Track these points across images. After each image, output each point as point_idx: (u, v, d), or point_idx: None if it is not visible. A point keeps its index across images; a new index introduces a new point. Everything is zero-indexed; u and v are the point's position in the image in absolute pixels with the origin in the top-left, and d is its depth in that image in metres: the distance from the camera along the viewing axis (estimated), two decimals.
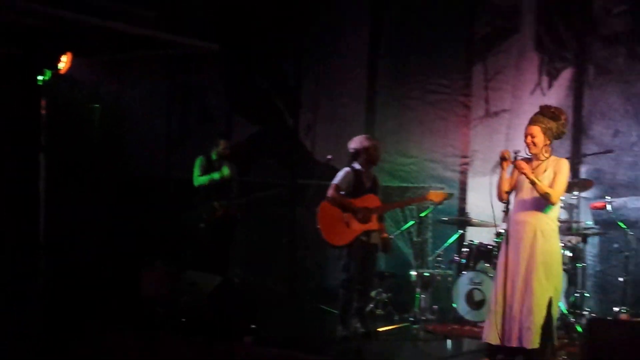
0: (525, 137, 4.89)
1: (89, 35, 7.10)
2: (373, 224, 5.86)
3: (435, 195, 6.01)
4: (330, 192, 5.89)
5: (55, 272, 6.36)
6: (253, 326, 5.69)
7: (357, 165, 5.97)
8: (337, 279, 6.13)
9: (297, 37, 8.64)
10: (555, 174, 4.83)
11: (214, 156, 7.35)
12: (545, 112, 4.93)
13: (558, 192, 4.82)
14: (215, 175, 7.22)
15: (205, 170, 7.31)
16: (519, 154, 4.86)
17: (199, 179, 7.28)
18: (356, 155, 5.98)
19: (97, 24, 6.77)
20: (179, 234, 7.78)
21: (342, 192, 5.89)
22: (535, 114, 4.94)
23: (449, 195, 6.40)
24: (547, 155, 4.90)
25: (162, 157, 8.97)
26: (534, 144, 4.86)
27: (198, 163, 7.37)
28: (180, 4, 8.22)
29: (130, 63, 8.56)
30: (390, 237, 6.47)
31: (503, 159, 4.83)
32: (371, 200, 5.89)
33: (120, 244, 7.73)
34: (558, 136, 4.94)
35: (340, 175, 5.96)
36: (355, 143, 6.00)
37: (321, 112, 8.44)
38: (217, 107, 9.12)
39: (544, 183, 4.78)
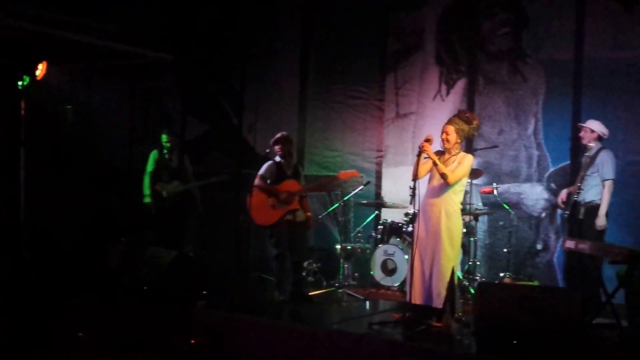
0: (441, 133, 4.87)
1: (62, 47, 6.88)
2: (294, 205, 5.73)
3: (344, 174, 5.84)
4: (256, 181, 5.78)
5: (34, 249, 6.10)
6: (204, 292, 5.52)
7: (277, 158, 5.87)
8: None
9: (241, 49, 8.45)
10: (458, 164, 4.84)
11: (164, 150, 7.06)
12: (461, 116, 4.92)
13: (455, 176, 4.80)
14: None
15: (158, 164, 7.03)
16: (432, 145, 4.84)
17: (147, 178, 7.04)
18: (275, 149, 5.88)
19: (70, 37, 6.57)
20: (140, 216, 7.51)
21: (268, 181, 5.78)
22: (453, 116, 4.93)
23: (362, 180, 6.37)
24: (457, 151, 4.90)
25: (125, 151, 8.65)
26: (447, 140, 4.85)
27: (152, 157, 7.08)
28: (141, 20, 7.91)
29: (98, 70, 8.22)
30: (319, 217, 6.36)
31: (427, 141, 4.78)
32: (291, 185, 5.77)
33: (91, 224, 7.44)
34: (468, 137, 4.94)
35: (264, 167, 5.87)
36: (273, 140, 5.92)
37: (261, 113, 8.27)
38: (173, 109, 8.84)
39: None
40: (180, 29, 8.55)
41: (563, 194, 5.83)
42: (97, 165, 8.24)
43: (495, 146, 6.66)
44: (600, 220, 5.44)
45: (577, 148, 6.28)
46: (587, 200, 5.54)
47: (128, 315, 5.32)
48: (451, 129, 4.84)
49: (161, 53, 7.87)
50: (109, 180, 8.13)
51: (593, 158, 5.62)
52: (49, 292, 5.70)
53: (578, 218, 5.57)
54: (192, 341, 4.77)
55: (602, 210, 5.44)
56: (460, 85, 7.15)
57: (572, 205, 5.61)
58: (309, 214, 6.01)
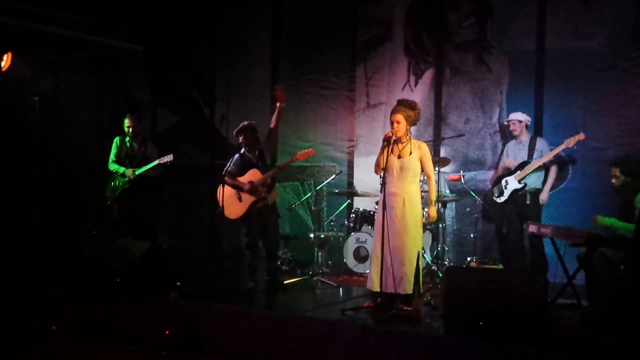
0: (392, 123, 4.93)
1: (28, 38, 6.74)
2: (259, 194, 5.71)
3: (301, 155, 5.81)
4: (223, 177, 5.77)
5: (7, 239, 6.07)
6: (178, 284, 5.53)
7: (242, 149, 5.87)
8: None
9: (211, 40, 8.42)
10: (422, 159, 4.94)
11: (127, 138, 6.92)
12: (404, 103, 4.99)
13: (433, 173, 5.04)
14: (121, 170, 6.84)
15: (119, 151, 6.91)
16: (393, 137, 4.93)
17: (112, 165, 6.91)
18: (238, 139, 5.85)
19: (36, 28, 6.42)
20: (110, 207, 7.46)
21: (234, 174, 5.77)
22: (396, 105, 4.97)
23: (335, 170, 6.37)
24: (407, 138, 4.99)
25: (95, 142, 8.56)
26: (399, 129, 4.93)
27: (113, 144, 6.95)
28: (110, 11, 7.82)
29: (65, 61, 8.10)
30: (293, 206, 6.33)
31: (386, 140, 4.88)
32: (253, 175, 5.76)
33: (62, 215, 7.36)
34: (414, 123, 5.02)
35: (229, 162, 5.86)
36: (235, 130, 5.88)
37: (233, 103, 8.26)
38: (143, 100, 8.76)
39: (412, 162, 4.89)
40: (149, 19, 8.49)
41: (492, 181, 6.17)
42: (66, 157, 8.17)
43: (462, 135, 6.82)
44: (544, 197, 5.93)
45: (539, 136, 6.48)
46: (532, 187, 5.89)
47: (101, 306, 5.31)
48: (400, 117, 4.91)
49: (130, 43, 7.80)
50: (80, 171, 8.06)
51: (532, 146, 5.96)
52: (21, 282, 5.66)
53: (524, 203, 5.91)
54: (167, 332, 4.79)
55: (547, 188, 5.94)
56: (428, 75, 7.27)
57: (511, 192, 5.91)
58: (275, 195, 5.93)
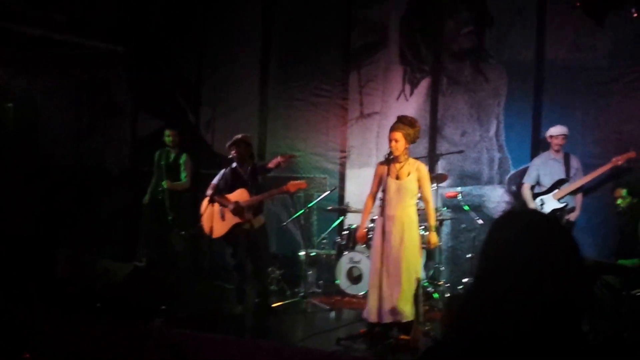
0: (390, 141, 4.77)
1: (3, 36, 6.45)
2: (243, 217, 5.48)
3: (292, 185, 5.53)
4: (208, 192, 5.53)
5: None
6: (163, 307, 5.31)
7: (234, 164, 5.63)
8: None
9: (198, 41, 8.12)
10: (420, 180, 4.78)
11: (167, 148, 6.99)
12: (404, 120, 4.83)
13: (430, 196, 4.86)
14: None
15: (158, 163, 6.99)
16: (390, 156, 4.76)
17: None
18: (230, 152, 5.62)
19: (14, 28, 6.15)
20: (90, 221, 7.19)
21: (222, 189, 5.53)
22: (396, 122, 4.82)
23: (328, 186, 6.20)
24: (405, 157, 4.82)
25: (71, 147, 8.25)
26: (397, 148, 4.76)
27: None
28: (90, 10, 7.48)
29: (41, 61, 7.77)
30: (283, 224, 6.14)
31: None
32: (241, 195, 5.53)
33: (36, 228, 7.06)
34: (413, 141, 4.87)
35: (219, 174, 5.62)
36: (228, 143, 5.65)
37: (220, 109, 8.00)
38: (124, 103, 8.43)
39: (410, 183, 4.73)
40: (132, 18, 8.15)
41: (532, 201, 5.89)
42: (40, 164, 7.86)
43: (461, 151, 6.65)
44: (576, 215, 5.74)
45: (537, 150, 6.36)
46: (569, 206, 5.72)
47: (81, 333, 5.07)
48: (399, 135, 4.75)
49: (110, 44, 7.54)
50: (56, 179, 7.76)
51: (567, 163, 5.76)
52: None
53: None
54: None
55: (579, 207, 5.76)
56: (424, 85, 7.08)
57: (550, 212, 5.69)
58: (262, 221, 5.74)
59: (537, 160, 6.00)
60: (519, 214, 1.60)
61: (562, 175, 5.76)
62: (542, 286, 1.34)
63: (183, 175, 6.95)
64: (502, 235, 1.45)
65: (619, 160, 5.51)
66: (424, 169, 4.84)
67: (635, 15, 5.96)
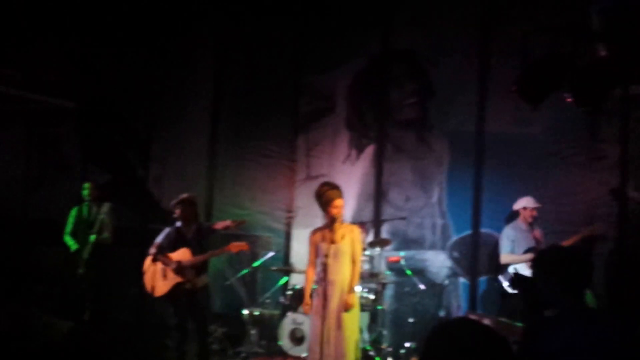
0: (336, 207, 4.89)
1: None
2: (185, 276, 5.51)
3: (234, 246, 5.65)
4: (151, 250, 5.57)
5: None
6: None
7: (178, 223, 5.68)
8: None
9: (148, 98, 8.22)
10: (353, 243, 4.93)
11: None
12: (339, 188, 5.02)
13: (360, 258, 5.01)
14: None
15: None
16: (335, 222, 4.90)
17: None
18: (175, 212, 5.67)
19: None
20: (34, 273, 7.03)
21: (164, 248, 5.57)
22: (338, 189, 4.95)
23: (271, 246, 6.25)
24: (340, 221, 4.97)
25: (19, 199, 8.13)
26: (341, 213, 4.94)
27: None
28: (41, 65, 7.56)
29: None
30: (227, 282, 6.14)
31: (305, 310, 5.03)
32: (184, 254, 5.57)
33: None
34: None
35: (162, 234, 5.66)
36: (173, 203, 5.70)
37: (169, 165, 8.07)
38: (73, 156, 8.42)
39: (346, 246, 4.88)
40: (83, 74, 8.25)
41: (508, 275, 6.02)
42: None
43: (403, 217, 6.87)
44: None
45: (478, 219, 6.64)
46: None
47: None
48: (343, 202, 4.96)
49: (61, 99, 7.60)
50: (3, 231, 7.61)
51: (533, 233, 6.03)
52: None
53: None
54: None
55: None
56: (369, 150, 7.33)
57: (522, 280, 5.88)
58: (206, 281, 5.77)
59: (510, 232, 6.13)
60: (452, 330, 1.62)
61: (532, 244, 6.00)
62: None
63: (106, 229, 6.82)
64: (437, 355, 1.52)
65: (585, 233, 5.81)
66: (357, 231, 5.02)
67: (568, 100, 6.38)
